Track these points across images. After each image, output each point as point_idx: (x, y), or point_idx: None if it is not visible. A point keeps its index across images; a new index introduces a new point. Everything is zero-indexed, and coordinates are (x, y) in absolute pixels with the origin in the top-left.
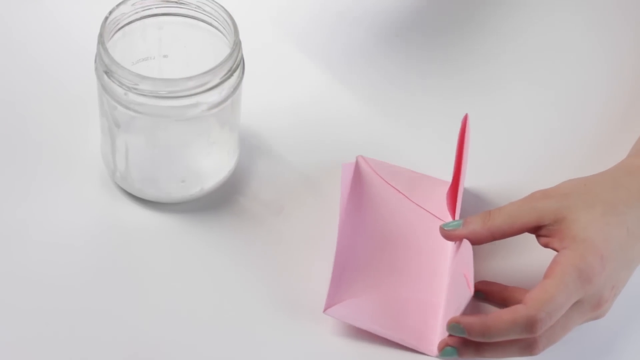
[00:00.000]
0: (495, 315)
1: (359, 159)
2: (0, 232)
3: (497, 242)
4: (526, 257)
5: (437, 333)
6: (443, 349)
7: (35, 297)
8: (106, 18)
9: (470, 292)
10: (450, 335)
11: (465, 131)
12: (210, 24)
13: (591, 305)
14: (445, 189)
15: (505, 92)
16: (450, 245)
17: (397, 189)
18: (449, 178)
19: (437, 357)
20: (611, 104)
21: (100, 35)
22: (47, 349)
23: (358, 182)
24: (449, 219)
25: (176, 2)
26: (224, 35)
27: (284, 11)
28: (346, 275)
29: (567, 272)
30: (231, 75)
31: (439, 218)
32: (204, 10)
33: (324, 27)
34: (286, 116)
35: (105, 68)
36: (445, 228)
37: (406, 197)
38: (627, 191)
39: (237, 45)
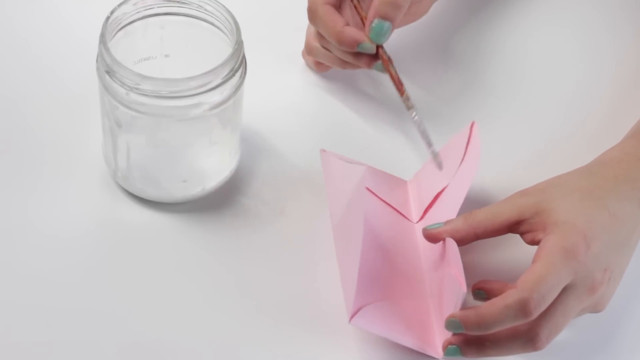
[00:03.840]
0: (488, 303)
1: (322, 153)
2: (1, 231)
3: (486, 242)
4: (516, 255)
5: (436, 334)
6: (446, 348)
7: (35, 296)
8: (108, 18)
9: (463, 290)
10: (453, 335)
11: (471, 139)
12: (212, 24)
13: (585, 288)
14: (403, 189)
15: (496, 95)
16: (421, 247)
17: (372, 192)
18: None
19: (442, 358)
20: (604, 106)
21: (102, 35)
22: (47, 347)
23: (358, 186)
24: (415, 217)
25: (178, 2)
26: (225, 34)
27: (286, 11)
28: (369, 280)
29: (553, 252)
30: (233, 75)
31: (405, 217)
32: (206, 10)
33: None
34: (288, 116)
35: (107, 68)
36: (428, 229)
37: (375, 194)
38: (603, 178)
39: (239, 45)
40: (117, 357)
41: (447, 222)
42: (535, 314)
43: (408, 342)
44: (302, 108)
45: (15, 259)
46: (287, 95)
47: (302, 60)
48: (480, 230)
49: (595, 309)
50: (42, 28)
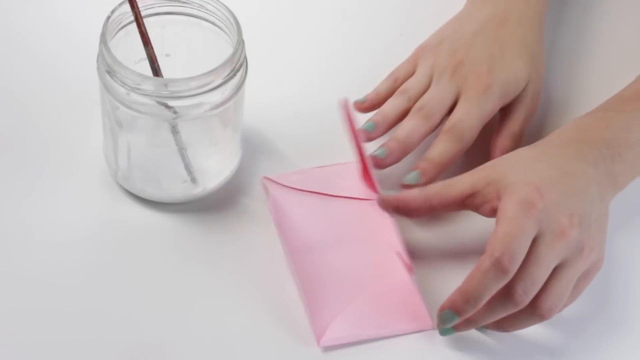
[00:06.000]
0: (467, 278)
1: (264, 181)
2: (2, 231)
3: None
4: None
5: (422, 306)
6: (441, 328)
7: (36, 296)
8: (108, 17)
9: (412, 274)
10: (444, 303)
11: (351, 115)
12: (213, 23)
13: (554, 234)
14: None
15: None
16: (388, 221)
17: (313, 192)
18: None
19: (436, 328)
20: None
21: (103, 35)
22: (48, 348)
23: (276, 203)
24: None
25: (179, 1)
26: (227, 34)
27: (288, 10)
28: (320, 298)
29: (510, 209)
30: (234, 75)
31: (366, 199)
32: (207, 9)
33: (328, 26)
34: (289, 116)
35: (108, 68)
36: (382, 195)
37: (325, 194)
38: (546, 146)
39: (240, 44)
40: (118, 357)
41: (403, 191)
42: (512, 268)
43: (396, 329)
44: (303, 108)
45: (15, 258)
46: (288, 95)
47: (303, 60)
48: (435, 201)
49: (584, 263)
50: (43, 27)
